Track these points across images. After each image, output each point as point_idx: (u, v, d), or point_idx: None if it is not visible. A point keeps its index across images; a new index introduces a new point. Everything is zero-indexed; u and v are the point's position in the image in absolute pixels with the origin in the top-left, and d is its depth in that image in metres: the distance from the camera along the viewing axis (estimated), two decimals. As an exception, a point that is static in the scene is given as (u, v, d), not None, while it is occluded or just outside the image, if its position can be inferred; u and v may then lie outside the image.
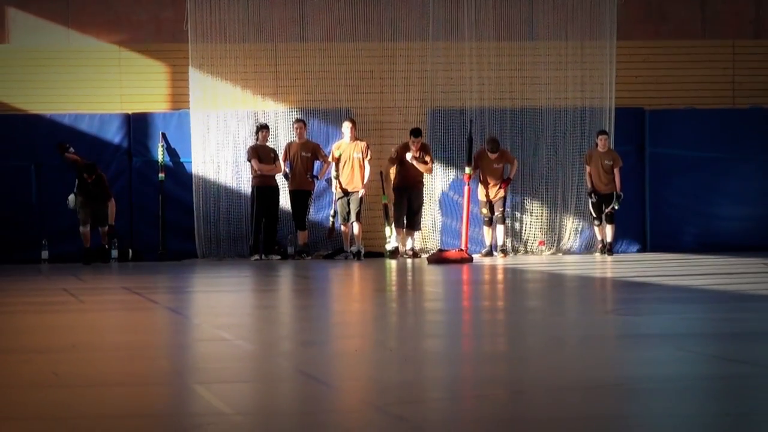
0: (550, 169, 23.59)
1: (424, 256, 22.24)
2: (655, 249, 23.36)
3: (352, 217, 22.53)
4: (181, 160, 23.11)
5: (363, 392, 7.26)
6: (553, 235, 23.77)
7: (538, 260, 22.32)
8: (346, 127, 22.52)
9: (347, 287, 17.44)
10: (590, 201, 22.77)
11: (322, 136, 23.37)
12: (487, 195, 22.69)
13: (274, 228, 22.73)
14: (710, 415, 6.34)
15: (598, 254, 22.79)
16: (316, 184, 23.03)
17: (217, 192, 23.23)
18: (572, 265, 20.79)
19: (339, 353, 9.45)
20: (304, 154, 22.75)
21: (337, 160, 22.49)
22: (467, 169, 22.35)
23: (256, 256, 22.47)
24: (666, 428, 6.10)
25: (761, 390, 7.30)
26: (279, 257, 22.66)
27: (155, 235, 22.67)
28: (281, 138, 23.17)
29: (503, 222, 22.85)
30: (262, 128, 22.80)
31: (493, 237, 22.94)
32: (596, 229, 22.90)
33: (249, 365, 8.87)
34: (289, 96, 23.48)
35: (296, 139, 22.89)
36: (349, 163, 22.44)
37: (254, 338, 10.71)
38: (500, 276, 18.65)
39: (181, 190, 23.00)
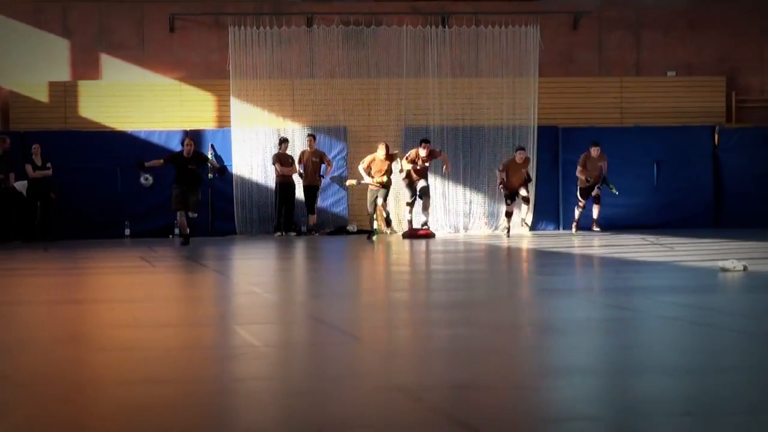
0: (490, 170, 23.59)
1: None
2: (566, 227, 23.41)
3: (380, 202, 21.77)
4: (225, 163, 23.11)
5: (356, 331, 7.30)
6: (493, 218, 23.80)
7: (483, 235, 22.35)
8: (381, 148, 21.47)
9: (345, 255, 17.47)
10: (578, 188, 22.05)
11: (327, 146, 23.37)
12: (511, 190, 21.40)
13: (291, 212, 22.75)
14: (604, 346, 6.40)
15: (573, 230, 22.08)
16: (322, 181, 23.04)
17: (251, 186, 23.24)
18: (509, 240, 20.81)
19: (339, 303, 9.48)
20: (314, 159, 22.77)
21: (368, 168, 21.49)
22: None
23: (279, 233, 22.48)
24: (572, 356, 6.14)
25: (638, 329, 7.37)
26: (295, 234, 22.69)
27: (206, 217, 22.67)
28: (297, 147, 23.17)
29: (528, 202, 21.86)
30: (283, 141, 22.81)
31: (510, 220, 21.96)
32: (577, 211, 22.21)
33: (273, 311, 8.90)
34: (302, 117, 23.49)
35: (308, 148, 22.90)
36: (379, 168, 21.65)
37: (277, 292, 10.74)
38: (455, 247, 18.67)
39: (225, 185, 22.99)
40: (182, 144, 19.93)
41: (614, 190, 21.70)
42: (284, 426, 4.56)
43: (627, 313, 8.19)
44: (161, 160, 19.31)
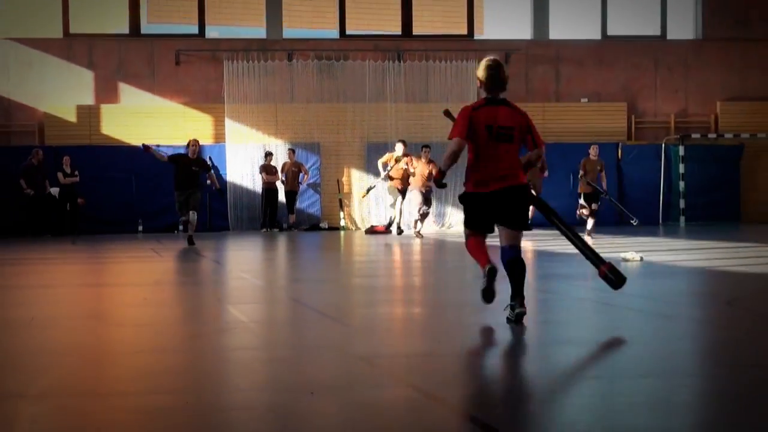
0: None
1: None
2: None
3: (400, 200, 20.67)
4: (221, 172, 23.00)
5: (328, 310, 7.30)
6: (441, 217, 23.81)
7: (434, 233, 22.34)
8: (399, 146, 20.11)
9: (319, 247, 17.43)
10: (582, 198, 18.27)
11: (304, 158, 23.31)
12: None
13: (275, 213, 22.66)
14: (528, 322, 6.43)
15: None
16: (300, 187, 22.98)
17: (241, 191, 23.14)
18: (455, 236, 20.83)
19: (314, 287, 9.48)
20: (293, 169, 22.70)
21: (389, 166, 19.95)
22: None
23: (264, 230, 22.40)
24: (502, 330, 6.17)
25: (556, 308, 7.42)
26: (278, 230, 22.61)
27: (205, 216, 22.54)
28: (280, 159, 23.10)
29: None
30: (268, 154, 22.72)
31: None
32: (584, 212, 18.26)
33: (259, 293, 8.89)
34: (284, 135, 23.41)
35: (288, 160, 22.84)
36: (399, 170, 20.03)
37: (263, 277, 10.71)
38: (408, 242, 18.65)
39: (221, 189, 22.80)
40: (187, 146, 17.51)
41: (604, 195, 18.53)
42: (267, 386, 4.57)
43: (547, 295, 8.24)
44: (166, 158, 17.17)
